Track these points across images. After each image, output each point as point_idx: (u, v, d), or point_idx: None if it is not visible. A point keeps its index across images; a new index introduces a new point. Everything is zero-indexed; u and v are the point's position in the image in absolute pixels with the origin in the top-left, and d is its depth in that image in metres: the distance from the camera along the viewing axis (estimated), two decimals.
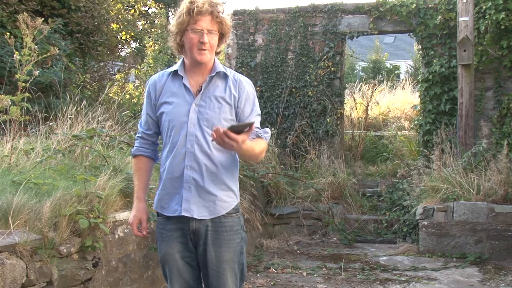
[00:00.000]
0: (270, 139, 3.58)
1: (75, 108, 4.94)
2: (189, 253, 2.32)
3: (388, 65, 22.05)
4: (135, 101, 8.48)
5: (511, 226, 5.42)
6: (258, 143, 2.27)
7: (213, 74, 2.30)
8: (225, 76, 2.33)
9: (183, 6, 2.23)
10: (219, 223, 2.29)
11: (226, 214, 2.30)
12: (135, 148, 2.47)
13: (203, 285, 2.38)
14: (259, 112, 2.39)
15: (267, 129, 2.37)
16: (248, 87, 2.35)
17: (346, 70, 10.46)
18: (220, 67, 2.33)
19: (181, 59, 2.37)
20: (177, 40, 2.29)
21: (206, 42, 2.21)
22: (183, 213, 2.25)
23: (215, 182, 2.27)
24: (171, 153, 2.29)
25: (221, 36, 2.31)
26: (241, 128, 2.06)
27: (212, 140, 2.09)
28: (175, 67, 2.36)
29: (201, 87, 2.30)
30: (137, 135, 2.49)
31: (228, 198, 2.31)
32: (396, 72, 21.01)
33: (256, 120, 2.34)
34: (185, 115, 2.27)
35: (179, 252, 2.31)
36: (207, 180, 2.26)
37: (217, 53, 2.36)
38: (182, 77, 2.31)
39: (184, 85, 2.30)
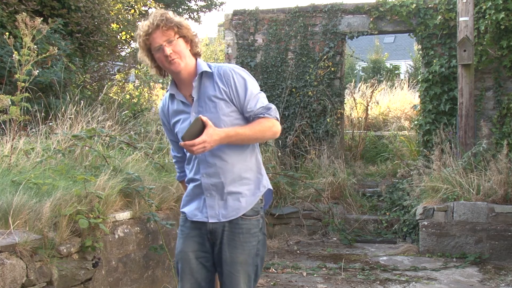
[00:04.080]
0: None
1: (75, 108, 4.94)
2: (204, 253, 2.33)
3: (388, 65, 22.07)
4: (135, 101, 8.48)
5: (511, 226, 5.42)
6: (254, 125, 2.24)
7: (197, 77, 2.28)
8: (210, 74, 2.30)
9: (137, 39, 2.28)
10: (236, 225, 2.29)
11: (244, 216, 2.29)
12: (177, 174, 2.59)
13: (219, 283, 2.38)
14: (257, 90, 2.31)
15: (270, 105, 2.29)
16: (233, 75, 2.28)
17: (346, 70, 10.46)
18: (202, 67, 2.30)
19: (171, 79, 2.39)
20: (154, 66, 2.32)
21: (169, 54, 2.20)
22: (210, 220, 2.28)
23: (234, 179, 2.28)
24: (189, 164, 2.36)
25: (185, 38, 2.27)
26: (193, 130, 2.07)
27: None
28: (169, 88, 2.40)
29: (192, 94, 2.29)
30: (173, 160, 2.60)
31: (251, 192, 2.31)
32: (396, 72, 21.01)
33: (258, 99, 2.27)
34: (188, 125, 2.28)
35: (194, 252, 2.33)
36: (225, 181, 2.27)
37: (197, 55, 2.33)
38: (174, 94, 2.35)
39: (180, 100, 2.33)
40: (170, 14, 2.25)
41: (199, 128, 2.08)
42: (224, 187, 2.27)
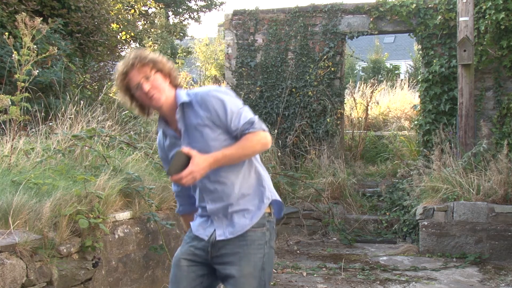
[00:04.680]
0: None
1: (75, 108, 4.94)
2: (199, 263, 2.31)
3: (388, 65, 22.06)
4: None
5: (511, 226, 5.42)
6: (240, 143, 2.20)
7: (179, 109, 2.25)
8: (189, 103, 2.26)
9: (115, 82, 2.29)
10: (240, 236, 2.25)
11: (251, 227, 2.27)
12: (177, 208, 2.60)
13: None
14: (238, 107, 2.24)
15: (253, 118, 2.23)
16: (210, 99, 2.23)
17: (346, 70, 10.46)
18: (181, 97, 2.26)
19: (159, 115, 2.37)
20: (136, 105, 2.31)
21: (146, 90, 2.20)
22: (218, 238, 2.27)
23: (238, 198, 2.27)
24: (194, 193, 2.40)
25: (162, 72, 2.25)
26: (178, 163, 2.09)
27: None
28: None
29: (179, 127, 2.28)
30: (174, 194, 2.60)
31: (255, 207, 2.29)
32: (396, 72, 21.01)
33: (240, 116, 2.22)
34: None
35: (188, 260, 2.32)
36: (228, 202, 2.26)
37: (177, 86, 2.31)
38: (162, 129, 2.37)
39: (170, 134, 2.34)
40: (145, 52, 2.25)
41: (184, 159, 2.09)
42: (228, 208, 2.27)
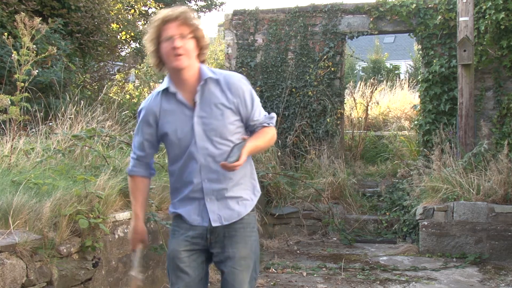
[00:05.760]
0: None
1: (75, 108, 4.94)
2: (196, 251, 2.32)
3: (388, 65, 22.07)
4: (135, 101, 8.47)
5: (511, 226, 5.42)
6: (263, 135, 2.32)
7: (203, 83, 2.25)
8: (216, 81, 2.28)
9: (151, 23, 2.25)
10: (236, 220, 2.31)
11: None
12: (130, 168, 2.47)
13: (220, 284, 2.36)
14: (259, 100, 2.39)
15: (272, 114, 2.40)
16: (241, 84, 2.31)
17: (346, 70, 10.46)
18: (208, 73, 2.27)
19: (167, 77, 2.31)
20: (155, 55, 2.27)
21: (178, 46, 2.17)
22: (214, 224, 2.27)
23: (234, 185, 2.29)
24: (185, 170, 2.29)
25: (197, 41, 2.25)
26: (238, 152, 2.15)
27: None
28: (163, 85, 2.31)
29: (195, 98, 2.25)
30: (132, 156, 2.47)
31: (251, 195, 2.36)
32: (396, 72, 21.01)
33: (260, 109, 2.37)
34: (190, 130, 2.25)
35: (187, 251, 2.32)
36: (226, 187, 2.28)
37: (202, 62, 2.31)
38: (175, 93, 2.27)
39: (180, 100, 2.27)
40: (193, 14, 2.25)
41: (241, 152, 2.16)
42: (224, 193, 2.28)
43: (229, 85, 2.28)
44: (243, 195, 2.33)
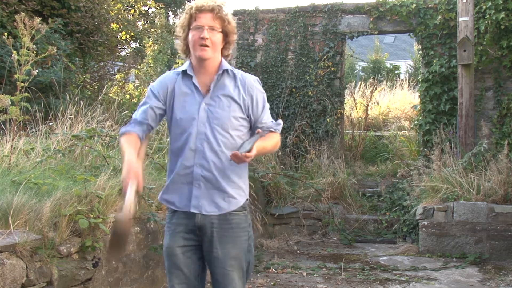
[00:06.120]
0: None
1: (75, 108, 4.94)
2: (191, 247, 2.33)
3: (388, 65, 22.08)
4: (135, 101, 8.48)
5: (511, 226, 5.42)
6: (270, 139, 2.36)
7: (221, 72, 2.32)
8: (233, 75, 2.36)
9: (185, 11, 2.31)
10: (225, 220, 2.30)
11: (232, 211, 2.32)
12: (124, 128, 2.36)
13: (211, 283, 2.37)
14: (268, 105, 2.45)
15: (280, 121, 2.46)
16: (256, 85, 2.39)
17: (346, 70, 10.46)
18: (227, 65, 2.36)
19: (188, 61, 2.39)
20: (183, 41, 2.34)
21: (206, 37, 2.23)
22: (192, 210, 2.28)
23: (224, 178, 2.29)
24: (181, 151, 2.32)
25: (225, 36, 2.33)
26: (250, 145, 2.17)
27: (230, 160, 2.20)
28: (183, 67, 2.38)
29: (210, 86, 2.32)
30: (136, 119, 2.38)
31: (237, 195, 2.33)
32: (396, 72, 21.02)
33: (268, 113, 2.42)
34: (195, 113, 2.29)
35: (181, 247, 2.32)
36: (216, 177, 2.28)
37: (225, 56, 2.39)
38: (192, 76, 2.34)
39: (194, 84, 2.33)
40: (228, 8, 2.31)
41: (253, 145, 2.18)
42: (213, 183, 2.28)
43: (244, 83, 2.35)
44: (231, 192, 2.31)
